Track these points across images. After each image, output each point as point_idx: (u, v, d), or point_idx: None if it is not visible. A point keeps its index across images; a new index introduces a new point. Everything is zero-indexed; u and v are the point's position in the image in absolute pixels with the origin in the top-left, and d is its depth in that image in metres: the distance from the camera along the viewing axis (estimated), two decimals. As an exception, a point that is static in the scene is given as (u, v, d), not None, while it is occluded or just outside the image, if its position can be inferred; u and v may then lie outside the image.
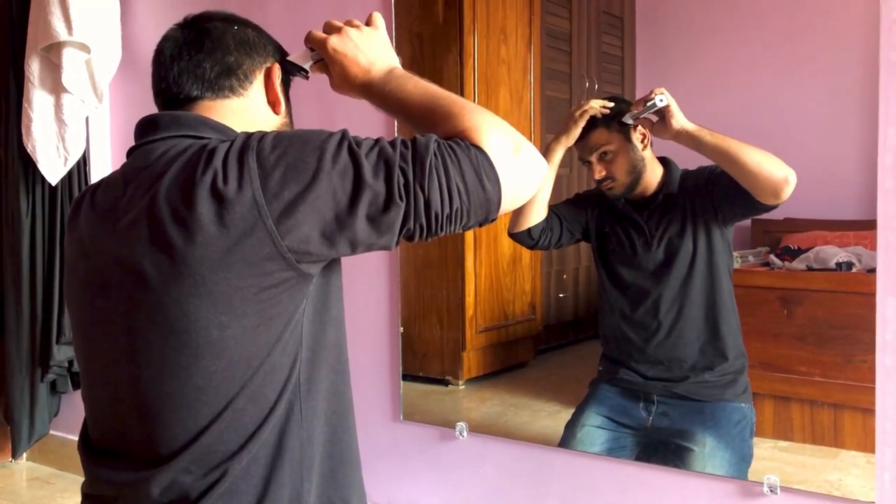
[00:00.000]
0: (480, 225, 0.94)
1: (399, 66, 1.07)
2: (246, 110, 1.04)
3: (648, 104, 1.64)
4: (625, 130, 1.73)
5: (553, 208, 1.85)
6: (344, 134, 0.91)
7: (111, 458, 0.98)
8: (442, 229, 0.90)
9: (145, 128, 1.01)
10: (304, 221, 0.86)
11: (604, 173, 1.75)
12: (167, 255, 0.88)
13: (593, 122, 1.75)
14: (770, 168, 1.54)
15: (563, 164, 1.82)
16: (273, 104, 1.06)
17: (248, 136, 0.91)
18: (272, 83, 1.06)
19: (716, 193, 1.65)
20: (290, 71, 1.09)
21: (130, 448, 0.95)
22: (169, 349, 0.89)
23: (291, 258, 0.87)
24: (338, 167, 0.87)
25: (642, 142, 1.73)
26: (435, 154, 0.88)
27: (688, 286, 1.70)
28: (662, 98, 1.62)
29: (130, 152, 1.02)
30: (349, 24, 1.07)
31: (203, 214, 0.86)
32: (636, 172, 1.74)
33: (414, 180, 0.87)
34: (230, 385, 0.89)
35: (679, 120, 1.63)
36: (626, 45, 1.97)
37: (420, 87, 1.02)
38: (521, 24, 2.08)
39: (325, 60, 1.08)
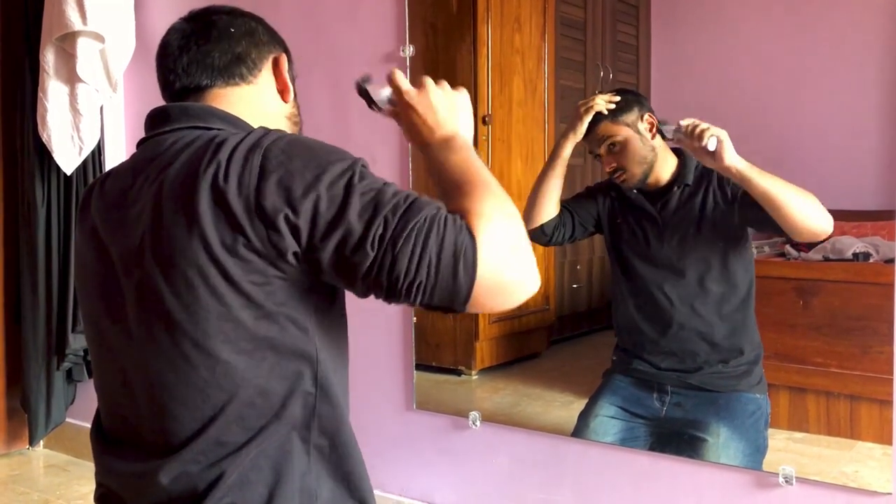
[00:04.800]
0: (444, 311, 0.87)
1: (466, 136, 1.03)
2: (256, 98, 1.05)
3: (697, 144, 1.55)
4: (632, 121, 1.72)
5: (564, 204, 1.85)
6: (352, 165, 0.88)
7: (122, 447, 0.99)
8: (401, 297, 0.85)
9: (155, 119, 1.02)
10: (285, 233, 0.85)
11: (614, 165, 1.74)
12: (168, 246, 0.88)
13: (599, 115, 1.75)
14: (814, 221, 1.51)
15: (576, 154, 1.82)
16: (282, 92, 1.07)
17: (264, 134, 0.91)
18: (281, 71, 1.07)
19: (746, 216, 1.62)
20: (362, 95, 1.08)
21: (141, 438, 0.96)
22: (173, 341, 0.90)
23: (278, 261, 0.87)
24: (329, 193, 0.85)
25: (650, 131, 1.72)
26: (424, 219, 0.84)
27: (703, 280, 1.69)
28: (714, 141, 1.53)
29: (141, 143, 1.03)
30: (437, 83, 1.05)
31: (202, 208, 0.86)
32: (647, 162, 1.73)
33: (390, 234, 0.84)
34: (235, 378, 0.90)
35: (730, 157, 1.54)
36: (641, 33, 1.96)
37: (461, 160, 0.97)
38: (535, 13, 2.07)
39: (398, 108, 1.06)
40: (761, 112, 1.72)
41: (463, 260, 0.83)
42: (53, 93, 2.56)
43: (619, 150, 1.74)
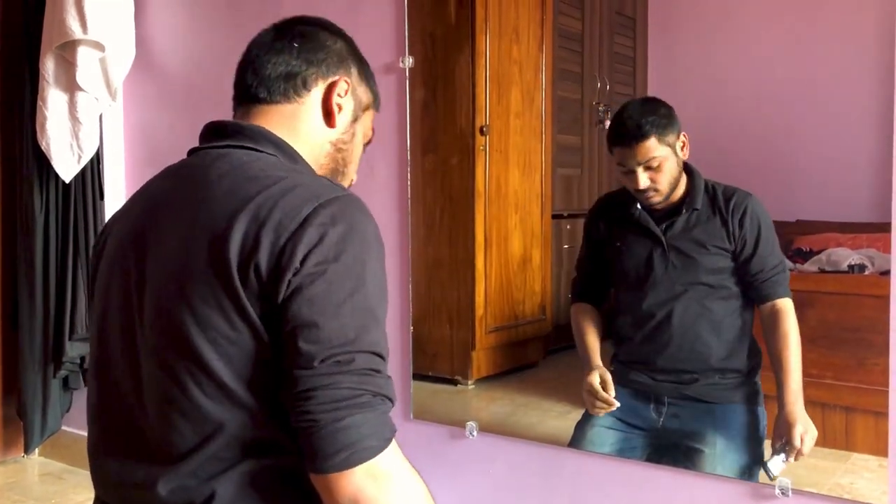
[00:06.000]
0: (305, 458, 0.87)
1: None
2: (297, 117, 1.04)
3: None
4: (672, 140, 1.66)
5: (585, 277, 1.88)
6: (370, 277, 0.88)
7: (124, 451, 0.98)
8: (291, 408, 0.86)
9: (211, 133, 1.04)
10: (282, 284, 0.85)
11: (649, 183, 1.66)
12: (193, 259, 0.89)
13: (644, 133, 1.65)
14: None
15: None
16: (327, 115, 1.06)
17: (327, 189, 0.90)
18: (331, 95, 1.05)
19: (746, 267, 1.64)
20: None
21: (144, 443, 0.95)
22: (181, 354, 0.90)
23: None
24: (334, 281, 0.85)
25: (682, 149, 1.67)
26: (374, 395, 0.86)
27: (704, 301, 1.68)
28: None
29: (192, 152, 1.04)
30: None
31: (235, 231, 0.87)
32: (675, 182, 1.67)
33: (346, 368, 0.85)
34: (235, 401, 0.90)
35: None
36: (639, 45, 1.97)
37: None
38: (533, 25, 2.08)
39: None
40: (758, 123, 1.73)
41: (355, 447, 0.84)
42: (53, 101, 2.57)
43: (657, 168, 1.65)
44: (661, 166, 1.65)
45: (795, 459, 1.55)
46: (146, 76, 2.72)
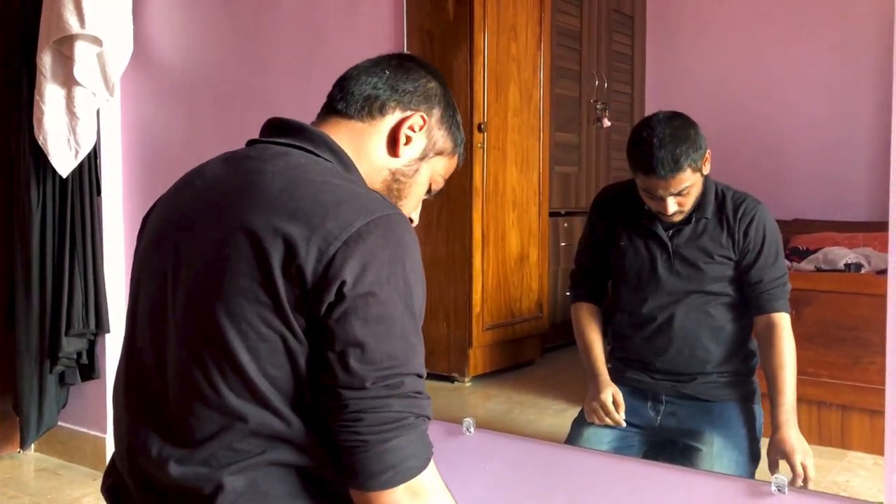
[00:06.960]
0: (345, 475, 0.91)
1: None
2: (363, 137, 1.05)
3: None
4: (701, 164, 1.62)
5: (585, 273, 1.87)
6: (415, 294, 0.91)
7: (150, 424, 0.98)
8: (337, 423, 0.89)
9: (272, 129, 1.04)
10: (328, 293, 0.86)
11: (677, 208, 1.63)
12: (236, 252, 0.89)
13: (680, 166, 1.59)
14: None
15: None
16: (392, 143, 1.06)
17: (381, 206, 0.91)
18: (401, 125, 1.06)
19: (748, 276, 1.63)
20: None
21: (167, 421, 0.95)
22: (209, 342, 0.90)
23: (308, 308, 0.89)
24: (385, 303, 0.87)
25: (705, 164, 1.63)
26: (416, 416, 0.89)
27: (706, 307, 1.67)
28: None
29: (250, 143, 1.05)
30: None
31: (281, 236, 0.87)
32: (699, 198, 1.65)
33: (397, 391, 0.88)
34: (256, 395, 0.90)
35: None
36: (637, 43, 1.97)
37: None
38: (531, 22, 2.08)
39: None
40: (755, 122, 1.73)
41: (399, 468, 0.87)
42: (50, 95, 2.57)
43: (686, 193, 1.62)
44: (690, 191, 1.62)
45: (805, 486, 1.54)
46: (144, 71, 2.72)
